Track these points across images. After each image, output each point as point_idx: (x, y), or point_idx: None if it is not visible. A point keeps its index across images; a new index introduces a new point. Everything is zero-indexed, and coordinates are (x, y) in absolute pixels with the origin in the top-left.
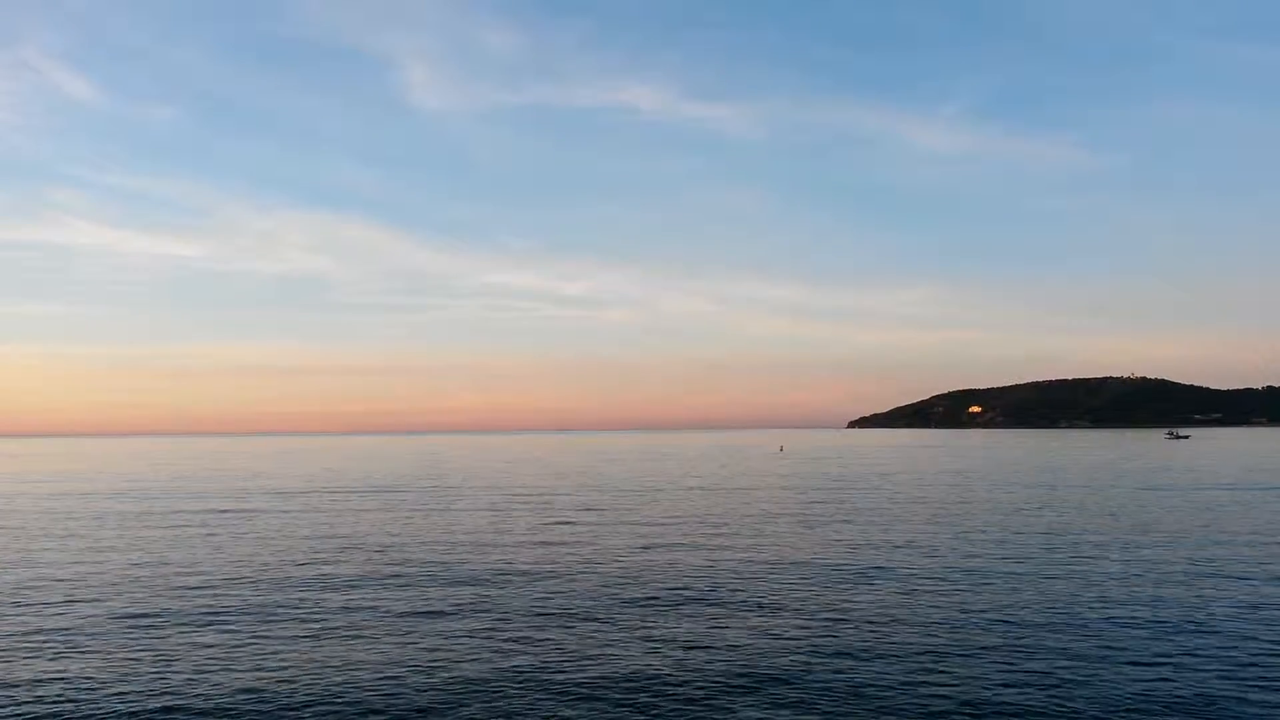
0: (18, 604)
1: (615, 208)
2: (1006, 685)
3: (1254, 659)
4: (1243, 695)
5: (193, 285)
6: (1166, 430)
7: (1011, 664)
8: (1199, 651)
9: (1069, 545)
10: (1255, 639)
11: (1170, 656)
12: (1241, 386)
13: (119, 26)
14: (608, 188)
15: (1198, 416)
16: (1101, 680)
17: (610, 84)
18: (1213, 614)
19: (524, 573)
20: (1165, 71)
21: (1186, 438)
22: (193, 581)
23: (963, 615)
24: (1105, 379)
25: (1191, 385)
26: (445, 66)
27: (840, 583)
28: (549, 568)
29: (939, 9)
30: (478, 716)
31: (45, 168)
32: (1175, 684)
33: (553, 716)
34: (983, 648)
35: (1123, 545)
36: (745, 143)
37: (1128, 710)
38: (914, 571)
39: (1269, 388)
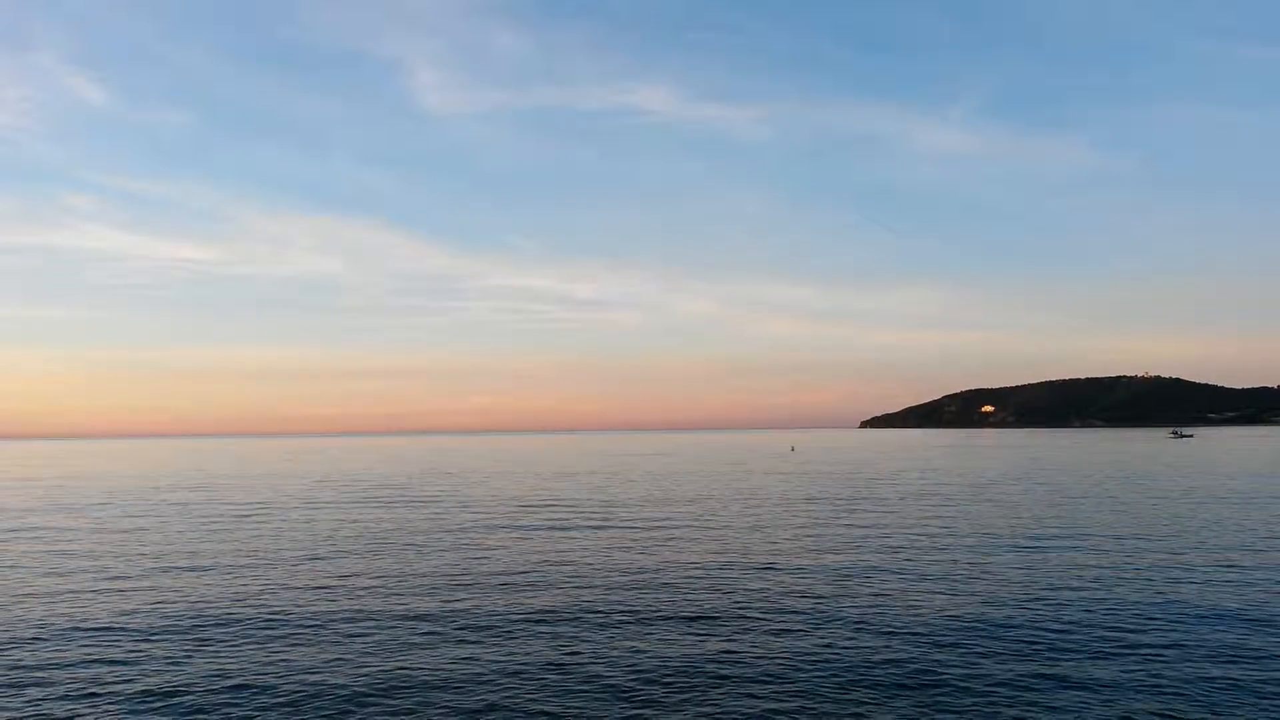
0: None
1: (622, 210)
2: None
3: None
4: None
5: (203, 288)
6: (1170, 430)
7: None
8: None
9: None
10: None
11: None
12: (1256, 385)
13: (130, 33)
14: (615, 190)
15: (1212, 415)
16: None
17: (616, 86)
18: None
19: (527, 575)
20: (1170, 72)
21: (1190, 437)
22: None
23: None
24: (1119, 378)
25: (1206, 384)
26: (452, 70)
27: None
28: (554, 568)
29: (945, 11)
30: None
31: (59, 173)
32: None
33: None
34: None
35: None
36: (751, 144)
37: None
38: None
39: None
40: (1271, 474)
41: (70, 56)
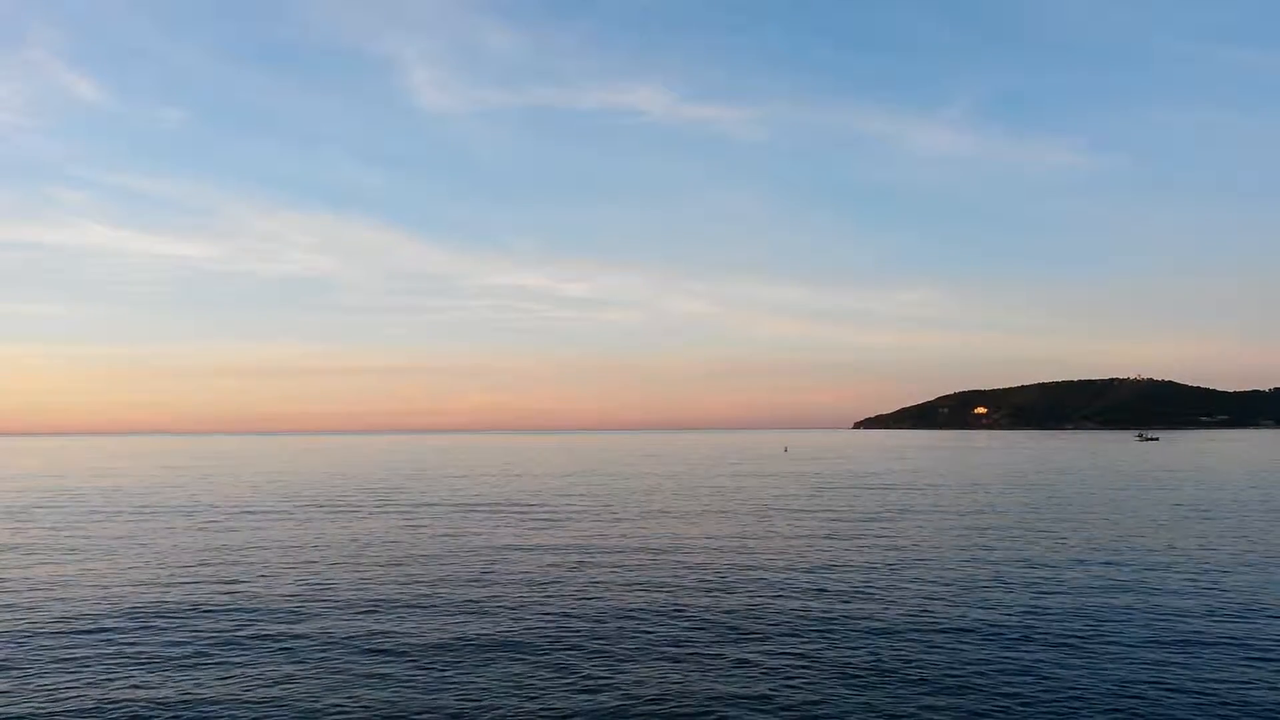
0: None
1: (617, 209)
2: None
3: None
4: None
5: (197, 286)
6: (1136, 433)
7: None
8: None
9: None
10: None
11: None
12: (1249, 388)
13: (124, 28)
14: (610, 189)
15: (1204, 418)
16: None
17: (612, 86)
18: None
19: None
20: (1164, 74)
21: (1155, 440)
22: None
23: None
24: (1111, 380)
25: (1199, 387)
26: (448, 68)
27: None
28: (545, 569)
29: (939, 11)
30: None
31: (51, 168)
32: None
33: None
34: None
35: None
36: (747, 144)
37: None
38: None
39: (1276, 389)
40: (1196, 473)
41: (65, 52)
